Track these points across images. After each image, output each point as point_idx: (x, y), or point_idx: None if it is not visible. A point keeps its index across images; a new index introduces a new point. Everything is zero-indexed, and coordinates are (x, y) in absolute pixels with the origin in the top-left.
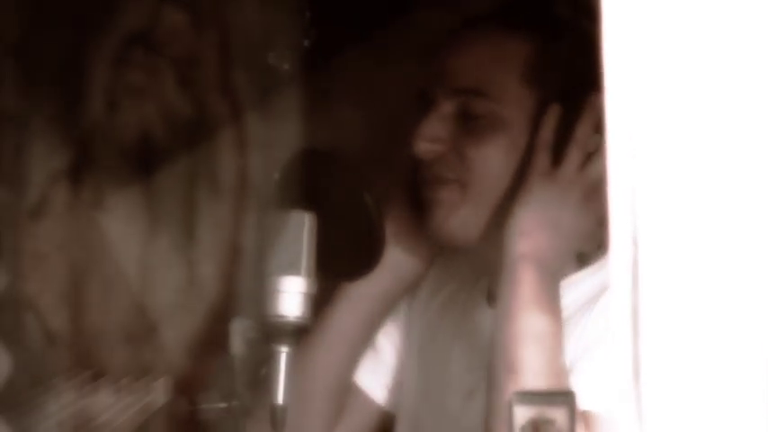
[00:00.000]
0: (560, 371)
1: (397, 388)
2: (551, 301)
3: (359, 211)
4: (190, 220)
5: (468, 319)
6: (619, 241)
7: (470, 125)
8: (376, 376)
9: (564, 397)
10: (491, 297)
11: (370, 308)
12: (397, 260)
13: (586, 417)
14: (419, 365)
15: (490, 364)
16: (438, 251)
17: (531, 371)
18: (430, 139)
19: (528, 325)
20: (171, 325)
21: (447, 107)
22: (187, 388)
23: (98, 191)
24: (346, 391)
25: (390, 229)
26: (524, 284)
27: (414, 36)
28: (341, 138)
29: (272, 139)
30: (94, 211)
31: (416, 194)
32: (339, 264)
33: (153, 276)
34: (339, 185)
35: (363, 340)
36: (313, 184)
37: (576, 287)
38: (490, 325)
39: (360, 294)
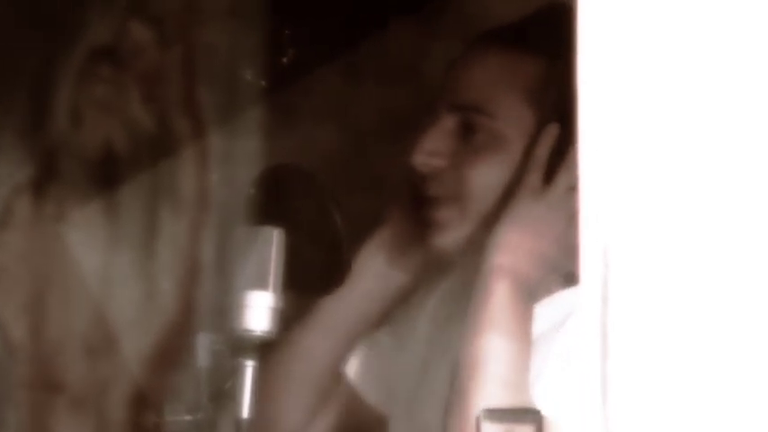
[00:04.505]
0: (522, 384)
1: (394, 391)
2: (522, 315)
3: (327, 227)
4: (151, 235)
5: (453, 330)
6: (589, 260)
7: (470, 141)
8: (370, 374)
9: (532, 415)
10: None
11: (354, 311)
12: (382, 272)
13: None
14: (416, 375)
15: (458, 373)
16: (429, 266)
17: (492, 382)
18: (429, 152)
19: (494, 336)
20: (131, 338)
21: (449, 122)
22: (146, 401)
23: (61, 204)
24: (335, 380)
25: (378, 243)
26: (496, 296)
27: (384, 56)
28: (305, 155)
29: (235, 155)
30: (57, 224)
31: (409, 210)
32: (307, 279)
33: (114, 290)
34: (308, 201)
35: (353, 336)
36: (282, 199)
37: (555, 304)
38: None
39: (344, 295)
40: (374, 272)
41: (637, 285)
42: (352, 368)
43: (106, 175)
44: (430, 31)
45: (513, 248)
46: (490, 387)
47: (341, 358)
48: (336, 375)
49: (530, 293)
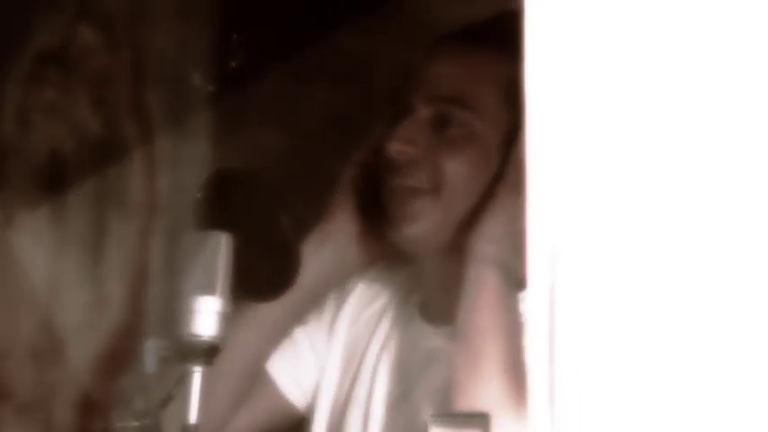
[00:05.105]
0: (522, 372)
1: (313, 391)
2: (513, 305)
3: (275, 231)
4: (99, 240)
5: (398, 332)
6: (537, 265)
7: (446, 134)
8: (290, 372)
9: (479, 419)
10: (426, 310)
11: (294, 303)
12: (321, 269)
13: None
14: (342, 373)
15: (454, 363)
16: (372, 257)
17: (496, 365)
18: (405, 140)
19: (492, 322)
20: (78, 343)
21: (425, 113)
22: (94, 406)
23: (8, 209)
24: (256, 375)
25: (319, 240)
26: (489, 287)
27: (331, 60)
28: (254, 159)
29: (183, 159)
30: (4, 229)
31: (362, 203)
32: (254, 284)
33: (61, 295)
34: (256, 206)
35: (285, 331)
36: (230, 204)
37: None
38: (424, 338)
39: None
40: (313, 269)
41: (583, 289)
42: (274, 365)
43: (54, 180)
44: (377, 36)
45: (500, 242)
46: (494, 376)
47: (269, 354)
48: (261, 371)
49: (516, 285)
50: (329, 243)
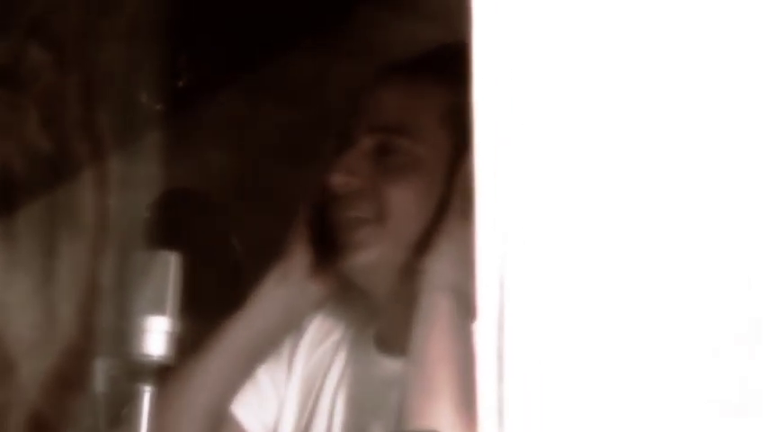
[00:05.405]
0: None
1: (275, 427)
2: (466, 329)
3: (224, 251)
4: (49, 259)
5: (354, 364)
6: (485, 285)
7: (388, 163)
8: (254, 411)
9: None
10: (381, 341)
11: (254, 343)
12: (283, 306)
13: None
14: (300, 408)
15: (406, 389)
16: (329, 292)
17: (449, 391)
18: (347, 171)
19: (445, 347)
20: (29, 363)
21: (366, 143)
22: (44, 426)
23: None
24: (221, 417)
25: (280, 276)
26: (442, 312)
27: (282, 80)
28: (203, 178)
29: (133, 179)
30: None
31: (317, 238)
32: (204, 304)
33: (11, 314)
34: (205, 225)
35: (245, 372)
36: (180, 223)
37: None
38: (380, 369)
39: (243, 328)
40: (275, 306)
41: (531, 313)
42: (238, 406)
43: (4, 199)
44: (329, 56)
45: (452, 268)
46: (446, 401)
47: (233, 396)
48: (226, 413)
49: (468, 311)
50: (287, 283)
